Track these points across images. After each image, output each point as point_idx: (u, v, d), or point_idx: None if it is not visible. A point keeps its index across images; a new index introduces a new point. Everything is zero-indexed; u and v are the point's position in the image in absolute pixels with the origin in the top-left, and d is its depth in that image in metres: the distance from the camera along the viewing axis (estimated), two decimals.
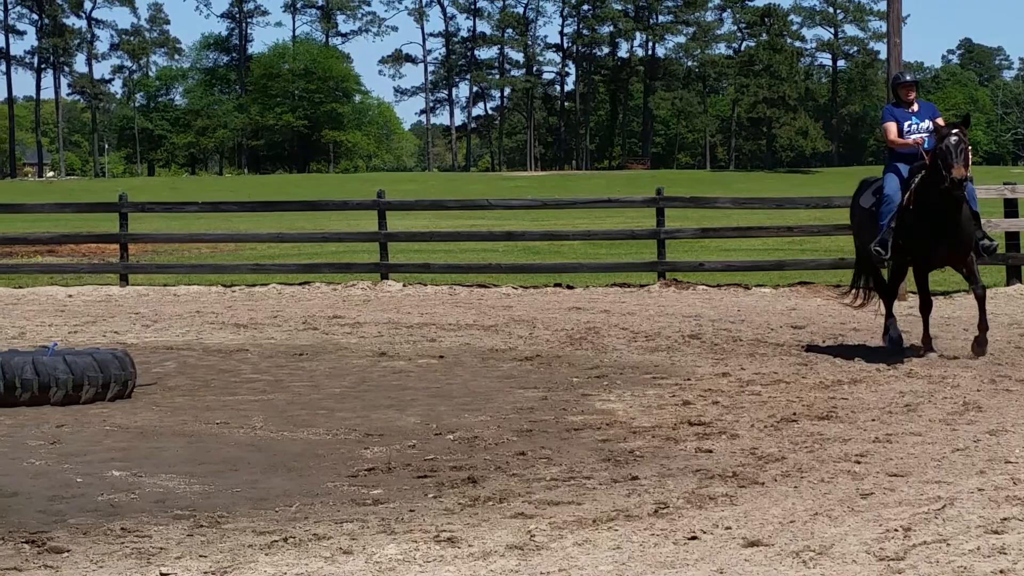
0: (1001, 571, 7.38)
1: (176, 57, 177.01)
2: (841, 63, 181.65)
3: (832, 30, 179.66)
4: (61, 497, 9.73)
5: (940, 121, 16.46)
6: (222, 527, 8.83)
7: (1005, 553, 7.73)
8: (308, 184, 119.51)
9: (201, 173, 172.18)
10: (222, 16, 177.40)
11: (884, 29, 24.80)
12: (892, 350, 16.53)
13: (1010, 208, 24.71)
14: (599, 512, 8.99)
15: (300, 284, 27.05)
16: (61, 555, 8.18)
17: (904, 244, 16.19)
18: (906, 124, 16.61)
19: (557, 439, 11.76)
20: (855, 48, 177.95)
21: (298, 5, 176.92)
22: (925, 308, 16.55)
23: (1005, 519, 8.48)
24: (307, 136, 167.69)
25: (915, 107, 16.79)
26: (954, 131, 15.58)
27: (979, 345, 16.10)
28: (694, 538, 8.26)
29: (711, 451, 11.07)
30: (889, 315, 17.18)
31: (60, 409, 13.35)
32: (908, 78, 17.06)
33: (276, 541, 8.41)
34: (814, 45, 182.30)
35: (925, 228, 15.87)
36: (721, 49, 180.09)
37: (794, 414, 12.63)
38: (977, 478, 9.69)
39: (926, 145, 16.14)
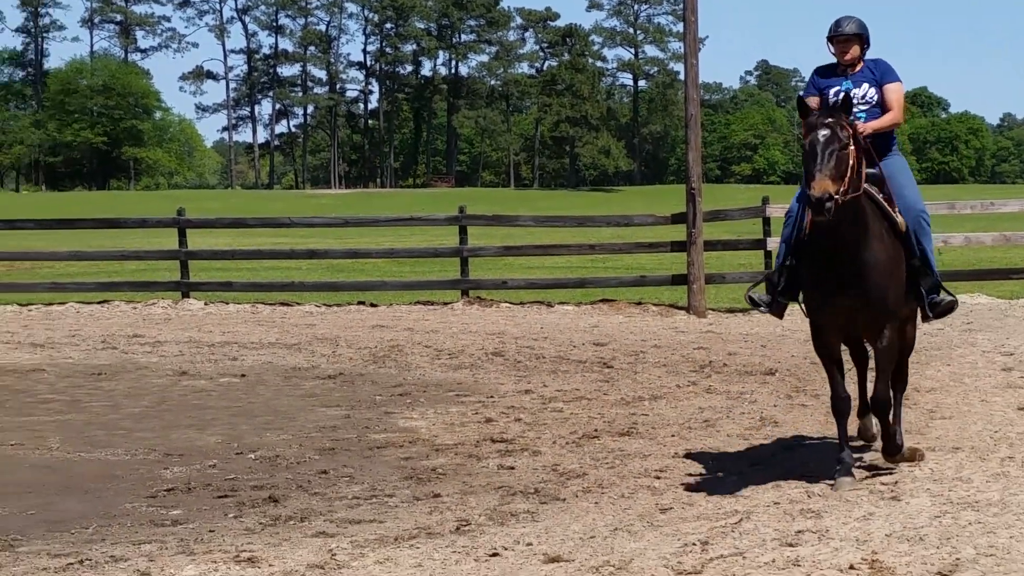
0: None
1: None
2: (642, 83, 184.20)
3: (633, 51, 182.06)
4: None
5: (893, 89, 10.80)
6: (15, 550, 8.65)
7: (799, 565, 7.85)
8: (108, 201, 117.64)
9: None
10: (17, 30, 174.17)
11: (683, 51, 25.09)
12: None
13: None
14: (401, 530, 8.98)
15: (99, 303, 26.62)
16: None
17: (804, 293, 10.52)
18: (832, 91, 10.76)
19: (359, 457, 11.73)
20: (655, 68, 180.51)
21: (96, 20, 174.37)
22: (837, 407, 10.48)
23: (799, 532, 8.62)
24: (107, 153, 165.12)
25: (856, 68, 10.94)
26: (827, 121, 9.75)
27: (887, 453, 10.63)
28: (495, 555, 8.28)
29: (513, 468, 11.12)
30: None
31: None
32: (846, 29, 10.88)
33: (71, 564, 8.27)
34: (615, 65, 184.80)
35: (815, 273, 10.23)
36: (524, 68, 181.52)
37: (595, 430, 12.74)
38: (773, 491, 9.85)
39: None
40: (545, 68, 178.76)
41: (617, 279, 26.47)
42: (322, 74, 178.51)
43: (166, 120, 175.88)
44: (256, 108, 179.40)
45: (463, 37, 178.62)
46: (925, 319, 10.87)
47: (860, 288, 9.98)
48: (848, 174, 9.67)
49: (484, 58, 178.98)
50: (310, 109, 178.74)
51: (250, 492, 10.36)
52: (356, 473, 11.05)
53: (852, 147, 9.75)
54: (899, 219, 10.33)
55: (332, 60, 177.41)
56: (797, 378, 15.80)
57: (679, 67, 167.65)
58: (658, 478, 10.53)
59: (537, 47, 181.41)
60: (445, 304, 25.35)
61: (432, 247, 31.35)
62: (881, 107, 10.78)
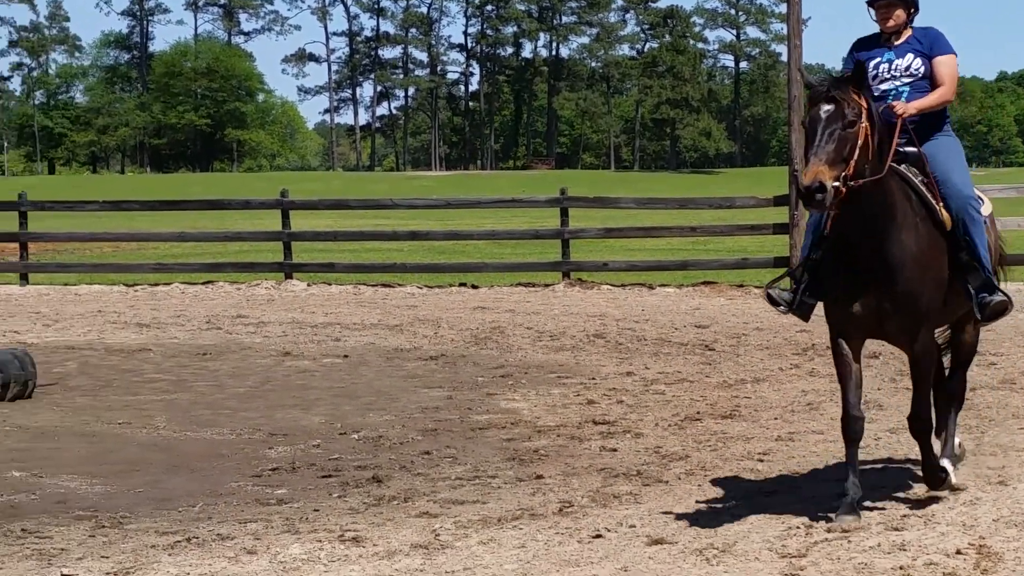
0: (901, 567, 7.46)
1: (76, 55, 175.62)
2: (743, 65, 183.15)
3: (734, 32, 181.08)
4: None
5: (945, 62, 9.32)
6: (124, 528, 8.76)
7: (905, 550, 7.81)
8: (211, 183, 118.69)
9: (103, 172, 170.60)
10: (123, 14, 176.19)
11: (785, 31, 24.94)
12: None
13: None
14: (504, 511, 9.00)
15: (203, 283, 26.87)
16: None
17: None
18: (872, 63, 9.36)
19: (462, 438, 11.77)
20: (757, 50, 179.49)
21: (200, 3, 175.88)
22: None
23: (905, 516, 8.57)
24: (210, 135, 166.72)
25: (902, 37, 9.45)
26: (831, 94, 8.38)
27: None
28: (599, 536, 8.28)
29: (615, 450, 11.11)
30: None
31: None
32: None
33: (179, 541, 8.36)
34: (717, 47, 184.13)
35: (836, 269, 8.85)
36: (625, 50, 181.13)
37: (698, 413, 12.70)
38: (878, 475, 9.78)
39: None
40: (646, 50, 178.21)
41: (719, 261, 26.37)
42: (423, 56, 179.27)
43: (268, 102, 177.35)
44: (357, 90, 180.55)
45: (564, 19, 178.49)
46: (976, 322, 9.48)
47: (886, 286, 8.59)
48: (854, 156, 8.27)
49: (585, 40, 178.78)
50: (411, 91, 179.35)
51: (354, 472, 10.42)
52: (459, 454, 11.09)
53: (863, 124, 8.35)
54: (940, 207, 8.91)
55: (433, 42, 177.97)
56: (902, 361, 15.60)
57: (781, 48, 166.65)
58: (761, 461, 10.49)
59: (638, 28, 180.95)
60: (546, 286, 25.36)
61: (533, 229, 31.40)
62: (930, 82, 9.32)
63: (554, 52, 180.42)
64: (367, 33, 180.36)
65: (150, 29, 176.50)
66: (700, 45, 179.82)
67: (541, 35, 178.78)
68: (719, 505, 9.04)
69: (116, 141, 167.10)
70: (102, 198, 40.15)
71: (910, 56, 9.31)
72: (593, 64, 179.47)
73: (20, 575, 7.71)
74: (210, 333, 19.69)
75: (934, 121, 9.34)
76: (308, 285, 26.31)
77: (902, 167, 8.90)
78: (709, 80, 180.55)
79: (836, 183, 8.11)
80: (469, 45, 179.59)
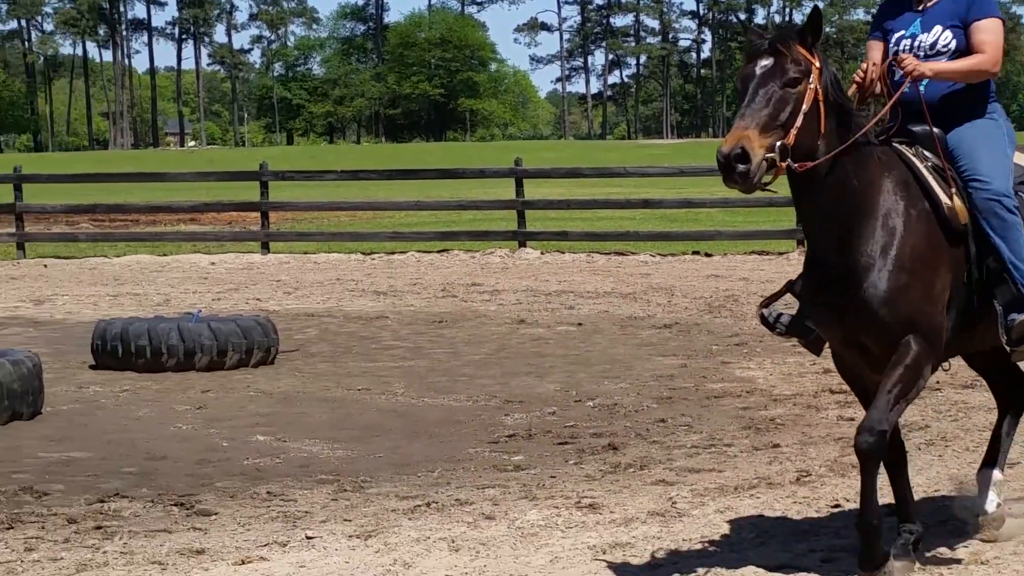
0: None
1: (314, 27, 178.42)
2: None
3: None
4: (208, 461, 9.92)
5: (985, 27, 7.23)
6: (365, 492, 8.94)
7: None
8: (445, 152, 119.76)
9: (339, 142, 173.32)
10: None
11: None
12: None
13: None
14: (740, 480, 8.98)
15: (438, 252, 27.18)
16: (209, 518, 8.34)
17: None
18: (894, 39, 7.41)
19: (697, 406, 11.75)
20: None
21: None
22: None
23: None
24: (443, 105, 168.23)
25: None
26: (772, 47, 6.60)
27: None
28: (837, 506, 8.22)
29: (853, 419, 10.96)
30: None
31: (205, 375, 13.57)
32: None
33: (419, 506, 8.51)
34: None
35: (807, 268, 7.17)
36: (860, 15, 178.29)
37: (937, 383, 12.46)
38: None
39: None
40: None
41: None
42: (655, 24, 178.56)
43: (501, 72, 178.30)
44: (589, 59, 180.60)
45: None
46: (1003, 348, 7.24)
47: (851, 291, 6.79)
48: (796, 122, 6.45)
49: (820, 4, 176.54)
50: (642, 59, 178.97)
51: (589, 439, 10.48)
52: (694, 422, 11.09)
53: (812, 85, 6.52)
54: (953, 191, 6.98)
55: (665, 9, 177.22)
56: None
57: (1023, 11, 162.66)
58: None
59: None
60: (780, 254, 25.15)
61: (767, 196, 31.00)
62: (963, 56, 7.27)
63: (788, 18, 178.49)
64: (599, 1, 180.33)
65: (385, 1, 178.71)
66: None
67: (774, 1, 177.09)
68: (960, 476, 8.89)
69: (352, 112, 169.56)
70: (339, 168, 40.81)
71: (938, 29, 7.28)
72: (827, 29, 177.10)
73: (267, 536, 7.91)
74: (445, 301, 19.93)
75: (971, 101, 7.31)
76: (541, 253, 26.45)
77: (909, 149, 7.13)
78: None
79: (770, 153, 6.35)
80: (701, 12, 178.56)
